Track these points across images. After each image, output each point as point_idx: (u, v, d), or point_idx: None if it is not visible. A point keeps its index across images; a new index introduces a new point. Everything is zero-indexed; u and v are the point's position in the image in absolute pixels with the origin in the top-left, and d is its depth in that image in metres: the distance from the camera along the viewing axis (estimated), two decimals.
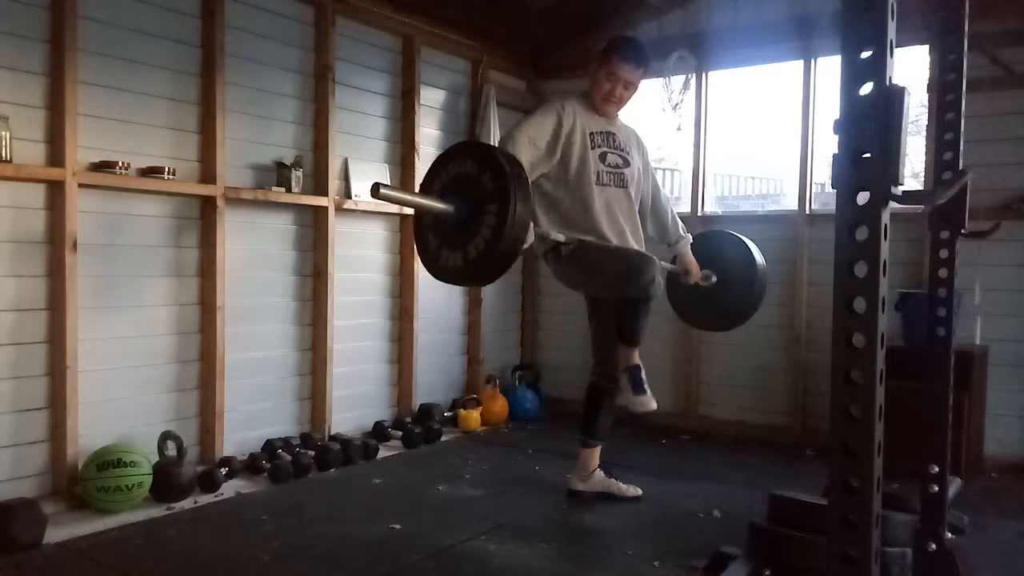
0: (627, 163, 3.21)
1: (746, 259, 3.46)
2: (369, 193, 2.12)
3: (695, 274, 3.41)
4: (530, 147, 2.98)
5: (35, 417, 3.06)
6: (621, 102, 3.21)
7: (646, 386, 3.12)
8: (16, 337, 3.00)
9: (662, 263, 3.30)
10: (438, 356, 4.81)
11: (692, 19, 4.75)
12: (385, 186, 2.12)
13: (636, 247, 3.16)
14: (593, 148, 3.11)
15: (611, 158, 3.16)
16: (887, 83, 1.07)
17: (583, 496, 3.35)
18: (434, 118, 4.79)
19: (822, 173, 4.47)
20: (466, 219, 2.26)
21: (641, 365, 3.14)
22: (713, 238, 3.63)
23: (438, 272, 2.41)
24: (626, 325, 3.14)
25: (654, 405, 3.11)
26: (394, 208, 4.45)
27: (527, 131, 3.01)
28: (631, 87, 3.18)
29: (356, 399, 4.34)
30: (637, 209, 3.25)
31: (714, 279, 3.45)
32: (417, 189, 2.52)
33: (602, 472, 3.40)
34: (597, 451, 3.39)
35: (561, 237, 2.98)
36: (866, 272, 1.09)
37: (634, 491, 3.37)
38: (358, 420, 4.31)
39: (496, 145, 3.15)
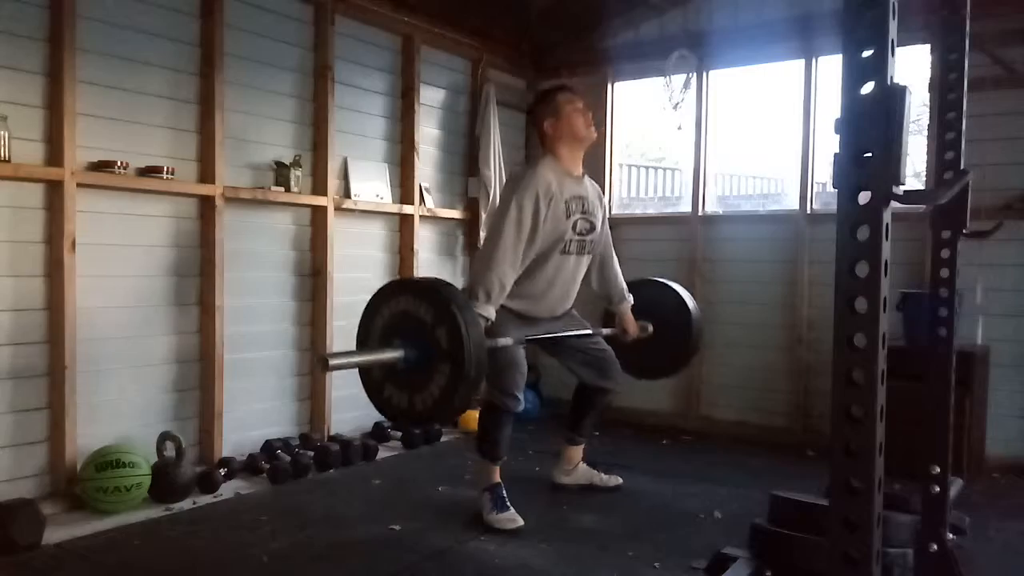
0: (593, 228, 3.17)
1: (676, 301, 3.44)
2: (319, 368, 2.07)
3: (633, 331, 3.35)
4: (514, 268, 2.93)
5: (34, 417, 3.05)
6: (592, 126, 3.15)
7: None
8: (15, 337, 3.00)
9: (604, 329, 3.35)
10: None
11: (693, 18, 4.75)
12: (333, 355, 2.06)
13: (564, 308, 3.19)
14: (568, 217, 3.05)
15: (580, 224, 3.10)
16: (888, 82, 1.06)
17: (567, 489, 3.43)
18: (434, 117, 4.78)
19: (823, 173, 4.46)
20: (415, 366, 2.21)
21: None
22: (639, 288, 3.49)
23: (382, 406, 2.35)
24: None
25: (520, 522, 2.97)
26: (394, 208, 4.46)
27: (509, 246, 2.90)
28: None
29: (356, 399, 4.26)
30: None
31: (650, 329, 3.41)
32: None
33: (585, 465, 3.50)
34: (581, 447, 3.49)
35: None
36: (867, 272, 1.08)
37: (615, 480, 3.47)
38: (357, 420, 4.30)
39: (483, 243, 3.09)
